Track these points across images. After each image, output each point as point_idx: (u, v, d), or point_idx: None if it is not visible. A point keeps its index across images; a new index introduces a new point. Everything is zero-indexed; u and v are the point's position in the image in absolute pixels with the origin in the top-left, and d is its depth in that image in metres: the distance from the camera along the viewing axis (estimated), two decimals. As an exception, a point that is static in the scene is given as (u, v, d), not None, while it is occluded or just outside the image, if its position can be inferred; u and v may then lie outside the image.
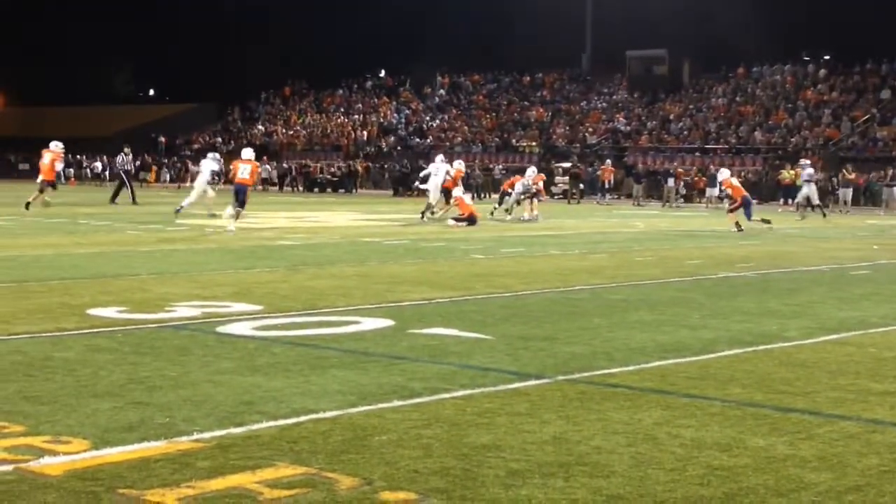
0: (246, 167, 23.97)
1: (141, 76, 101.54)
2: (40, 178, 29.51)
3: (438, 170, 29.93)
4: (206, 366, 7.68)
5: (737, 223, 25.60)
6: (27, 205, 28.20)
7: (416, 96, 74.13)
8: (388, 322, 9.87)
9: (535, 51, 71.58)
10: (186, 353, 8.14)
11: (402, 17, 79.04)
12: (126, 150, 37.89)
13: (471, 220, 26.93)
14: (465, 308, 11.18)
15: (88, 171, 65.32)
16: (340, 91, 78.22)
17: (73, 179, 61.78)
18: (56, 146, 30.01)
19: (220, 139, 73.74)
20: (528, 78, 72.37)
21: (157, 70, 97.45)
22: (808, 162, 36.85)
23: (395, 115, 71.70)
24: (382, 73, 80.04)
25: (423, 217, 28.67)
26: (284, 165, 61.18)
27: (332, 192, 55.73)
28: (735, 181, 28.30)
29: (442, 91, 73.89)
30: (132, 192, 35.90)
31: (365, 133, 69.15)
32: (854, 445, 5.81)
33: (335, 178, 58.11)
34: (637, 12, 67.83)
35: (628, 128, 61.79)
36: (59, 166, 30.70)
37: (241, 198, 23.46)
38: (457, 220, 27.12)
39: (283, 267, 15.21)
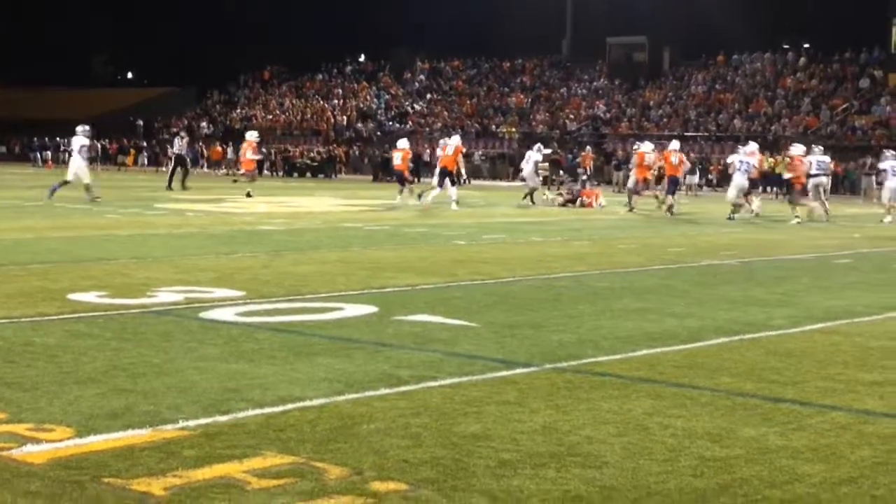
0: (398, 154, 29.46)
1: (120, 59, 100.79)
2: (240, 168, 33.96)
3: (529, 158, 32.20)
4: (189, 352, 7.58)
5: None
6: (248, 194, 30.29)
7: (395, 81, 73.90)
8: (373, 308, 9.79)
9: (515, 36, 71.49)
10: (169, 339, 8.04)
11: (383, 1, 78.91)
12: (182, 134, 38.88)
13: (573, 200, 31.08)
14: (450, 295, 11.10)
15: (67, 154, 64.78)
16: (320, 75, 77.86)
17: (49, 162, 61.36)
18: (252, 136, 32.69)
19: (203, 123, 73.35)
20: (509, 64, 72.23)
21: (136, 53, 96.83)
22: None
23: (375, 100, 71.47)
24: (362, 58, 79.73)
25: (529, 200, 31.14)
26: (263, 150, 60.81)
27: (312, 178, 55.54)
28: (675, 158, 28.29)
29: (422, 76, 73.68)
30: (185, 176, 35.82)
31: (344, 118, 68.91)
32: (846, 436, 5.77)
33: (315, 164, 57.94)
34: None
35: (608, 115, 61.80)
36: (253, 155, 32.66)
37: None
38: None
39: (265, 252, 15.08)
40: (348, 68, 78.03)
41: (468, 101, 68.16)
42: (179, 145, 37.59)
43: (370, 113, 69.72)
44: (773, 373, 7.40)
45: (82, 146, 26.74)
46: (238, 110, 75.37)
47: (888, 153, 27.42)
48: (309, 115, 71.03)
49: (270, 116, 72.39)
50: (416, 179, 32.68)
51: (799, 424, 5.99)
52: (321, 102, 72.79)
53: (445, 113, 67.08)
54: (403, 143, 30.38)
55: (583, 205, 30.41)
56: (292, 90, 76.75)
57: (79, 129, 27.04)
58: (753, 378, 7.20)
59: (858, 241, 20.53)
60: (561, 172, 48.33)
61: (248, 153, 31.85)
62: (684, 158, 30.23)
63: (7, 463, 4.90)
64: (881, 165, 27.69)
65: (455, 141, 29.62)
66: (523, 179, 33.24)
